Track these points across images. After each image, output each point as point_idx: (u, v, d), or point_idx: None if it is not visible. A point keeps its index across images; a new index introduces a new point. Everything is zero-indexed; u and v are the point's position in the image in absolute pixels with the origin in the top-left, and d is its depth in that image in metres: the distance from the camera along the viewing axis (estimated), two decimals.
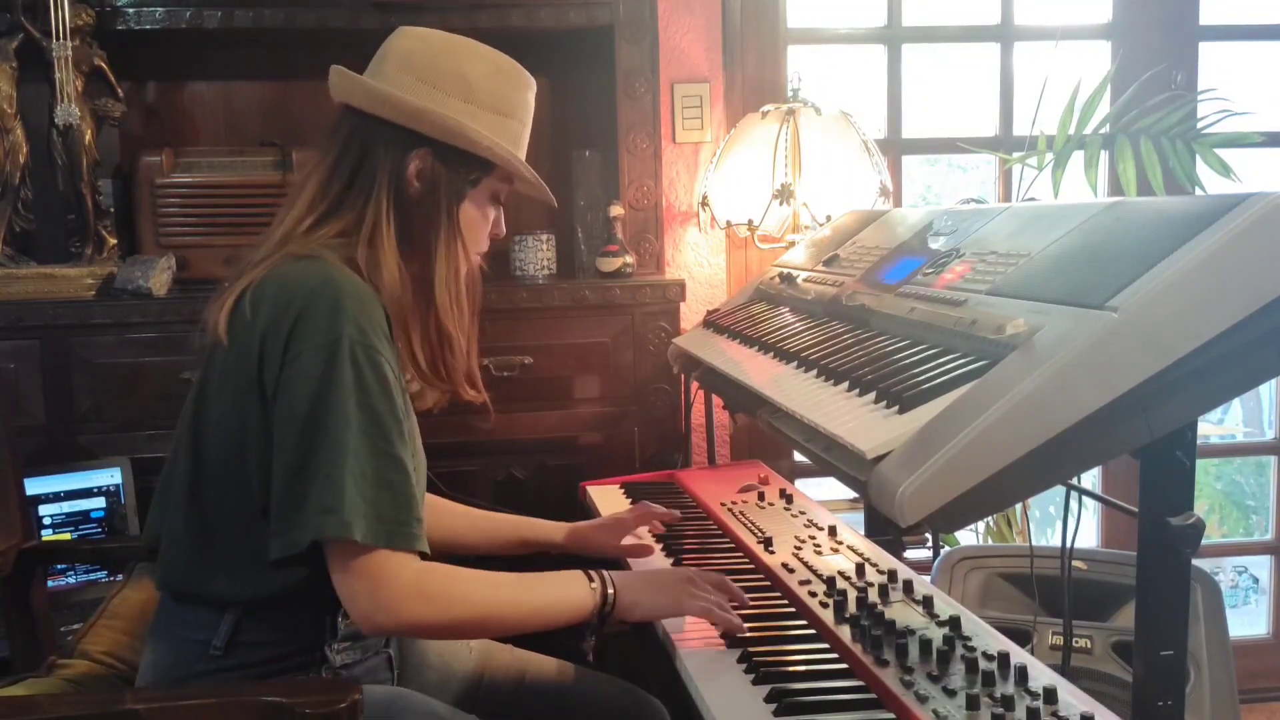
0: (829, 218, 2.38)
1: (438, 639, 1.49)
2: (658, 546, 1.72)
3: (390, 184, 1.32)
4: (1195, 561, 1.14)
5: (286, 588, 1.24)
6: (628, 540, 1.71)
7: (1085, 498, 1.40)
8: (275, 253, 1.29)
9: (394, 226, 1.32)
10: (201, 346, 1.30)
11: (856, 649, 1.30)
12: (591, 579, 1.35)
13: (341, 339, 1.19)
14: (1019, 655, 1.24)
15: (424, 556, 1.23)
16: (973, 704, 1.13)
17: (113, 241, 2.35)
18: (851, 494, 1.51)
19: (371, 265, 1.29)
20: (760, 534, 1.75)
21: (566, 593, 1.34)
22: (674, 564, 1.66)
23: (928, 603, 1.43)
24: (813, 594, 1.48)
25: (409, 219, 1.33)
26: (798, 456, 2.71)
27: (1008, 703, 1.12)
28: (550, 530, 1.73)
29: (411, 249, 1.33)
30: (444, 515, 1.67)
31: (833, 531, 1.76)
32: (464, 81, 1.34)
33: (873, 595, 1.45)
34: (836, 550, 1.68)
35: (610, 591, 1.34)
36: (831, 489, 2.70)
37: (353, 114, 1.35)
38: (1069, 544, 1.36)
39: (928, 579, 1.90)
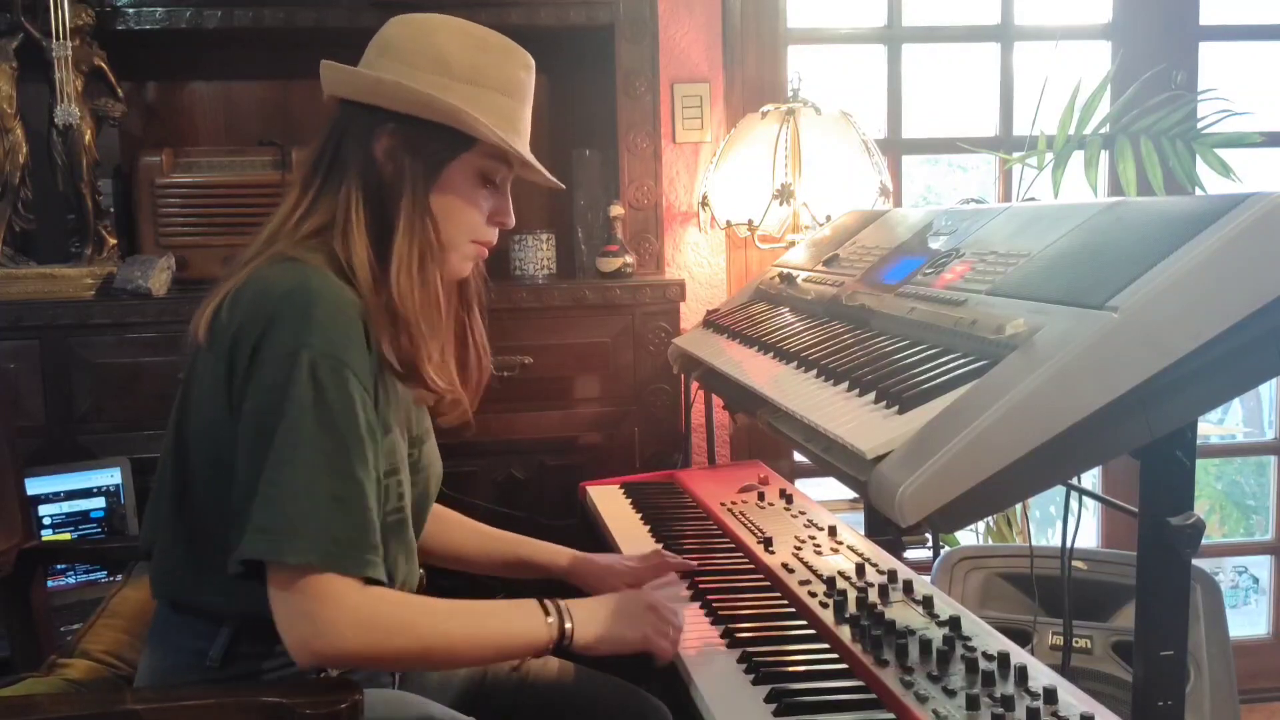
0: (829, 218, 2.38)
1: (380, 670, 1.38)
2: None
3: (360, 169, 1.27)
4: (1195, 561, 1.14)
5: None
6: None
7: (1085, 498, 1.40)
8: (261, 253, 1.25)
9: (364, 214, 1.26)
10: (188, 350, 1.26)
11: (856, 649, 1.30)
12: (548, 611, 1.27)
13: (301, 351, 1.13)
14: (1019, 655, 1.24)
15: (377, 584, 1.17)
16: (973, 704, 1.13)
17: (112, 241, 2.35)
18: (851, 494, 1.51)
19: (348, 259, 1.24)
20: (760, 534, 1.75)
21: (520, 626, 1.26)
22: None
23: (928, 603, 1.43)
24: (813, 594, 1.48)
25: (381, 204, 1.26)
26: (798, 456, 2.71)
27: (1008, 703, 1.12)
28: (554, 554, 1.64)
29: (379, 233, 1.26)
30: (450, 529, 1.63)
31: (833, 531, 1.76)
32: (439, 57, 1.27)
33: (873, 595, 1.45)
34: (836, 550, 1.68)
35: (568, 626, 1.27)
36: (831, 489, 2.70)
37: (333, 104, 1.32)
38: (1069, 544, 1.36)
39: (928, 579, 1.90)
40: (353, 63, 1.34)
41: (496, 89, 1.30)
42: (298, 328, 1.15)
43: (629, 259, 2.42)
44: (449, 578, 1.58)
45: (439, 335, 1.30)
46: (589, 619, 1.29)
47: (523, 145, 1.34)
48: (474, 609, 1.26)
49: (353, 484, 1.15)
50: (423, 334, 1.26)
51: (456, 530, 1.65)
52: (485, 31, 1.32)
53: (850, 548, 1.69)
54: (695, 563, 1.65)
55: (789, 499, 1.98)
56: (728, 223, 2.56)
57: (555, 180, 1.45)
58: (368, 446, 1.17)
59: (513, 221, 1.38)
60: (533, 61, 1.36)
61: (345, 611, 1.13)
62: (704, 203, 2.60)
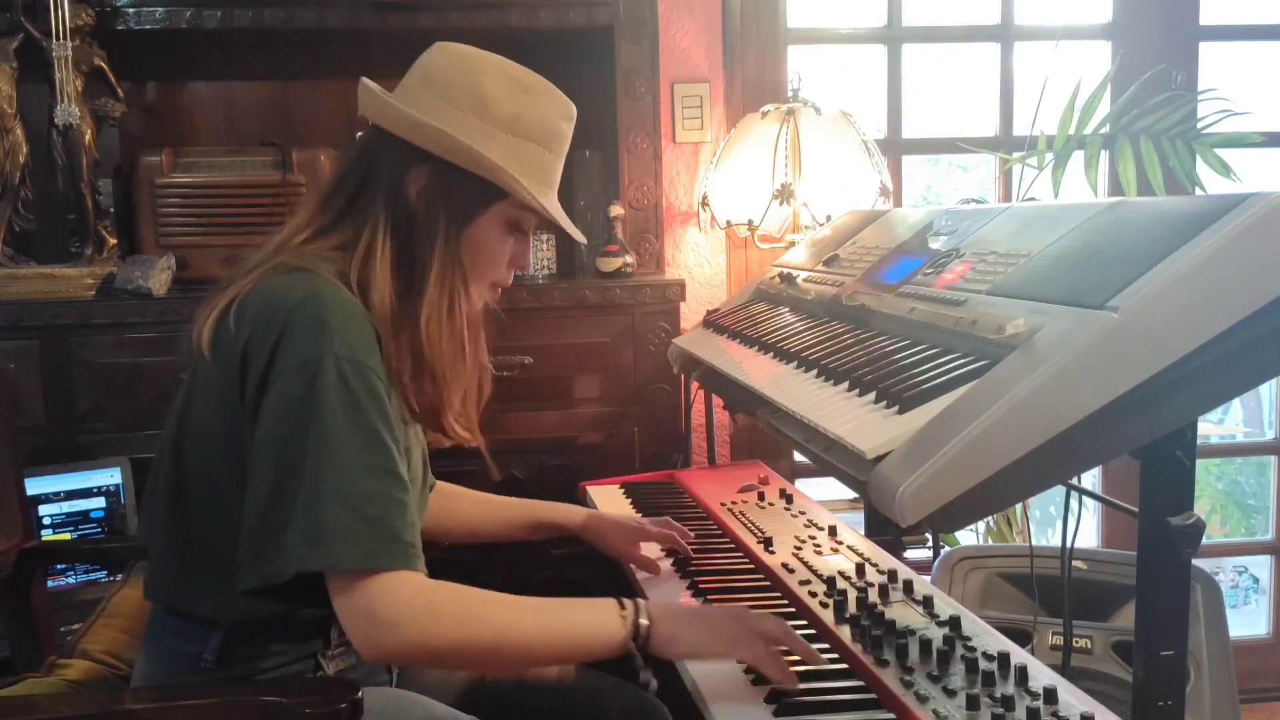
0: (829, 218, 2.38)
1: (447, 667, 1.39)
2: (667, 562, 1.67)
3: (388, 202, 1.26)
4: (1195, 561, 1.13)
5: (273, 614, 1.21)
6: (643, 552, 1.66)
7: (1085, 498, 1.40)
8: (267, 262, 1.24)
9: (390, 247, 1.24)
10: (188, 356, 1.25)
11: (856, 649, 1.30)
12: (624, 607, 1.23)
13: (325, 358, 1.13)
14: (1019, 655, 1.24)
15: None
16: (973, 704, 1.13)
17: (113, 241, 2.35)
18: (851, 494, 1.51)
19: (363, 283, 1.22)
20: (760, 534, 1.75)
21: (593, 620, 1.22)
22: (673, 564, 1.66)
23: (928, 603, 1.43)
24: (813, 594, 1.48)
25: (408, 240, 1.26)
26: (798, 456, 2.71)
27: (1008, 703, 1.12)
28: (568, 514, 1.70)
29: (408, 273, 1.25)
30: (459, 502, 1.66)
31: (833, 531, 1.76)
32: (480, 98, 1.26)
33: (873, 595, 1.45)
34: (836, 550, 1.68)
35: (644, 623, 1.22)
36: (831, 489, 2.70)
37: (372, 129, 1.30)
38: (1069, 544, 1.36)
39: (928, 579, 1.90)
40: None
41: (536, 140, 1.30)
42: (316, 336, 1.14)
43: (629, 259, 2.42)
44: (448, 577, 1.58)
45: (462, 381, 1.29)
46: (667, 619, 1.24)
47: (554, 199, 1.34)
48: (545, 603, 1.22)
49: (393, 479, 1.15)
50: (448, 382, 1.26)
51: (468, 504, 1.68)
52: (529, 75, 1.31)
53: (850, 548, 1.69)
54: (693, 550, 1.69)
55: (789, 499, 1.98)
56: (728, 223, 2.56)
57: (579, 234, 1.43)
58: (403, 442, 1.19)
59: (530, 265, 1.37)
60: (574, 110, 1.34)
61: (407, 603, 1.12)
62: (704, 203, 2.60)
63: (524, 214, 1.32)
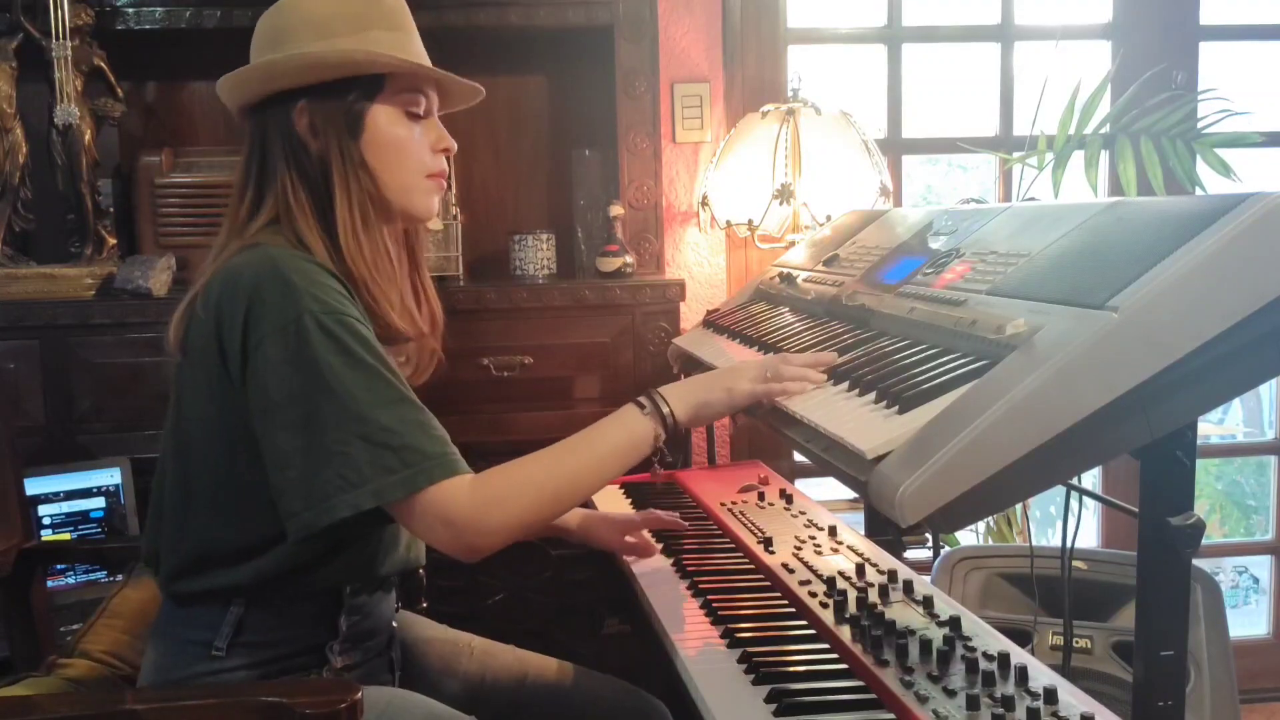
0: (829, 218, 2.38)
1: (535, 534, 1.43)
2: (659, 547, 1.72)
3: (289, 155, 1.29)
4: (1195, 561, 1.14)
5: (288, 588, 1.24)
6: (631, 539, 1.71)
7: (1085, 498, 1.40)
8: (217, 258, 1.29)
9: (306, 196, 1.29)
10: (170, 365, 1.30)
11: (856, 649, 1.30)
12: (643, 405, 1.32)
13: (302, 315, 1.17)
14: (1019, 655, 1.24)
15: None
16: (973, 704, 1.13)
17: (112, 241, 2.35)
18: (851, 494, 1.51)
19: (300, 239, 1.27)
20: (760, 534, 1.75)
21: (625, 429, 1.31)
22: (673, 564, 1.66)
23: (928, 603, 1.43)
24: (813, 594, 1.47)
25: (322, 179, 1.29)
26: (798, 456, 2.71)
27: (1008, 703, 1.12)
28: (564, 516, 1.71)
29: (326, 204, 1.29)
30: None
31: (833, 531, 1.76)
32: (310, 23, 1.29)
33: (873, 595, 1.45)
34: (836, 550, 1.68)
35: (665, 410, 1.31)
36: (831, 489, 2.70)
37: (246, 115, 1.35)
38: (1069, 544, 1.36)
39: (928, 579, 1.90)
40: None
41: (375, 26, 1.32)
42: (287, 298, 1.18)
43: (629, 259, 2.42)
44: (449, 577, 1.58)
45: (396, 281, 1.34)
46: (683, 396, 1.33)
47: (428, 62, 1.35)
48: (579, 441, 1.30)
49: (405, 404, 1.19)
50: (380, 286, 1.30)
51: None
52: None
53: (850, 548, 1.69)
54: (685, 523, 1.75)
55: (789, 499, 1.98)
56: (728, 223, 2.56)
57: (476, 85, 1.43)
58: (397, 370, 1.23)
59: (454, 145, 1.39)
60: None
61: (470, 505, 1.19)
62: (704, 203, 2.60)
63: (410, 96, 1.33)
